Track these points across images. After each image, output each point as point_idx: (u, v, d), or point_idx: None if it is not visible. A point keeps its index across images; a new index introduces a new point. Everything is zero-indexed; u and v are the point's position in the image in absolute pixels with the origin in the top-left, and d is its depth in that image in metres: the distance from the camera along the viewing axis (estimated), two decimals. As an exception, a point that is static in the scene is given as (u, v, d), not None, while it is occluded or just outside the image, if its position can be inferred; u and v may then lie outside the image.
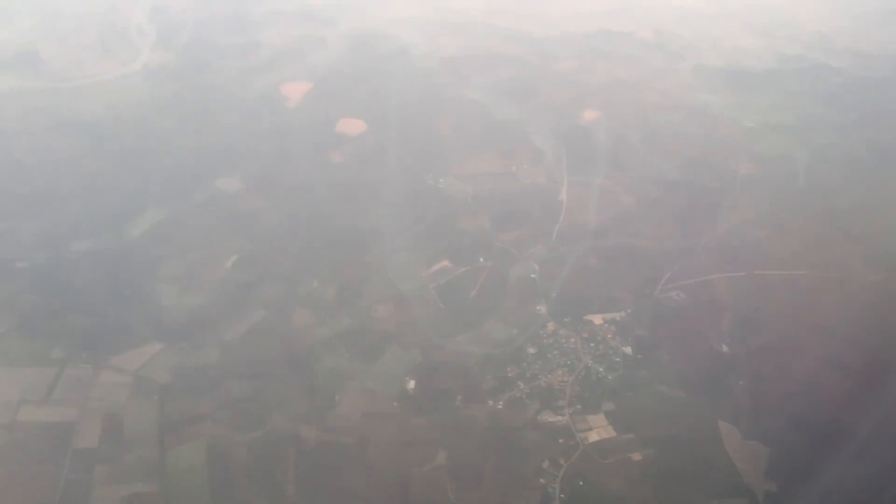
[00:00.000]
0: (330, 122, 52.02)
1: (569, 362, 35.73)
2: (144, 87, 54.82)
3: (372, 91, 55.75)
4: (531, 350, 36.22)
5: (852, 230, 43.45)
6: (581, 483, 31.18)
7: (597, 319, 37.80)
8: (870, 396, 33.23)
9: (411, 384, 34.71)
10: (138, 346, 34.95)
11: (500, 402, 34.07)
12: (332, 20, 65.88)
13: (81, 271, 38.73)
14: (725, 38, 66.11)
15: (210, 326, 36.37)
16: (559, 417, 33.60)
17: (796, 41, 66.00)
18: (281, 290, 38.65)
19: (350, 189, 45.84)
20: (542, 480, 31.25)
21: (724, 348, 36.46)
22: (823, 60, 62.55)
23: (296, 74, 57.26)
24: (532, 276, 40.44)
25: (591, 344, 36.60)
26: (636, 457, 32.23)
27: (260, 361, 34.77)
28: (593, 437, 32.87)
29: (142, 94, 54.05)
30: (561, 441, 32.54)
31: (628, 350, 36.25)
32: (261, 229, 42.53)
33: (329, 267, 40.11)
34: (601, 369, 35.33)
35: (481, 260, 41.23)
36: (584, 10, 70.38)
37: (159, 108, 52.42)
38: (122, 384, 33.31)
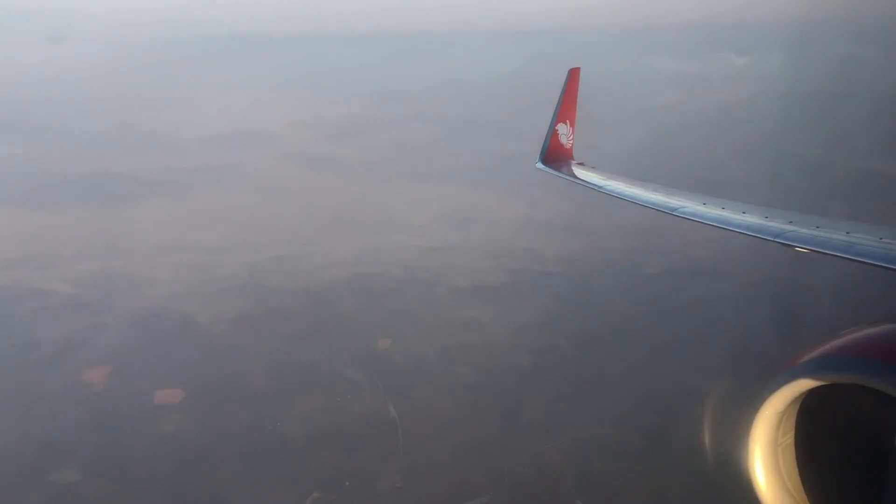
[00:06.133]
0: (145, 397, 52.40)
1: (462, 549, 39.47)
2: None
3: (175, 362, 57.18)
4: (426, 547, 39.46)
5: (631, 385, 53.62)
6: None
7: (468, 507, 42.33)
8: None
9: None
10: None
11: None
12: (105, 308, 66.65)
13: None
14: (462, 265, 77.98)
15: None
16: None
17: (515, 258, 79.95)
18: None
19: (193, 449, 46.52)
20: None
21: (579, 503, 42.82)
22: (543, 269, 76.39)
23: (90, 361, 56.96)
24: (397, 486, 44.08)
25: (473, 528, 40.82)
26: None
27: None
28: None
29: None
30: None
31: (505, 525, 41.01)
32: (118, 514, 41.47)
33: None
34: (491, 547, 39.54)
35: (347, 483, 44.07)
36: (337, 261, 78.88)
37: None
38: None
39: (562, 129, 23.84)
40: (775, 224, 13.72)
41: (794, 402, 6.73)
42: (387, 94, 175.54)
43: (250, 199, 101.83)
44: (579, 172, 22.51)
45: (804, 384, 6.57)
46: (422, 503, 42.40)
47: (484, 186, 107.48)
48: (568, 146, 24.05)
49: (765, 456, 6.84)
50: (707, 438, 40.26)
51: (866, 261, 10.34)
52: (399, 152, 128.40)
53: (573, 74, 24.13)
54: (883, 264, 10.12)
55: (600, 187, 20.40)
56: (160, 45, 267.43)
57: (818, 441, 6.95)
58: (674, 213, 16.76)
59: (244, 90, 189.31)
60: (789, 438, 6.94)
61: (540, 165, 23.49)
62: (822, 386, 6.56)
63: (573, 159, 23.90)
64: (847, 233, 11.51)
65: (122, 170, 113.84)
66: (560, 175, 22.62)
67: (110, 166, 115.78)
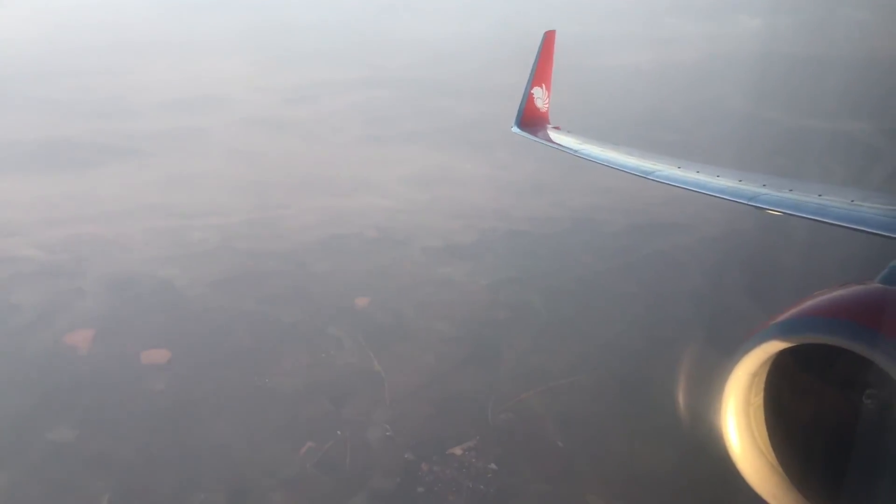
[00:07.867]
0: (131, 358, 53.23)
1: (454, 489, 41.55)
2: None
3: (157, 324, 57.97)
4: (420, 490, 41.48)
5: (605, 335, 56.23)
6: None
7: (457, 451, 44.35)
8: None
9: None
10: None
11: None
12: (81, 273, 66.67)
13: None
14: (432, 225, 79.55)
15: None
16: (468, 533, 39.09)
17: (485, 218, 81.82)
18: (170, 512, 39.44)
19: (185, 406, 47.79)
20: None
21: (560, 444, 45.25)
22: (511, 227, 78.45)
23: (71, 325, 57.43)
24: (388, 434, 46.01)
25: (463, 470, 42.92)
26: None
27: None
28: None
29: None
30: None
31: (494, 466, 43.24)
32: (118, 468, 42.46)
33: (206, 479, 41.66)
34: (481, 487, 41.73)
35: (339, 433, 45.88)
36: (309, 223, 79.74)
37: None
38: None
39: (537, 92, 24.14)
40: (749, 187, 13.98)
41: (765, 362, 6.95)
42: (345, 57, 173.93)
43: (215, 164, 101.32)
44: (555, 137, 22.67)
45: (776, 345, 6.79)
46: (412, 449, 44.36)
47: (448, 148, 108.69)
48: (544, 110, 24.34)
49: (737, 416, 7.05)
50: (681, 397, 41.71)
51: (837, 223, 10.70)
52: (361, 115, 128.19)
53: (548, 37, 24.31)
54: (853, 226, 10.44)
55: (576, 151, 20.57)
56: (104, 8, 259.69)
57: (789, 401, 7.19)
58: (649, 177, 17.04)
59: (199, 54, 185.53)
60: (760, 399, 7.15)
61: (516, 129, 23.77)
62: (793, 347, 6.78)
63: (549, 123, 24.18)
64: (819, 195, 11.84)
65: (80, 136, 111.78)
66: (536, 139, 22.85)
67: (67, 133, 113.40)
